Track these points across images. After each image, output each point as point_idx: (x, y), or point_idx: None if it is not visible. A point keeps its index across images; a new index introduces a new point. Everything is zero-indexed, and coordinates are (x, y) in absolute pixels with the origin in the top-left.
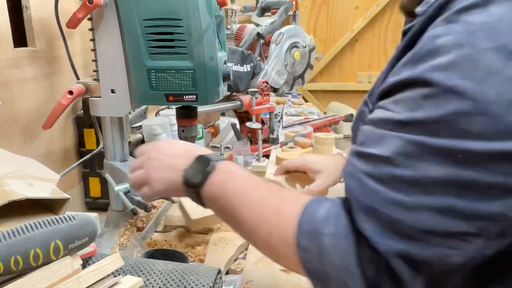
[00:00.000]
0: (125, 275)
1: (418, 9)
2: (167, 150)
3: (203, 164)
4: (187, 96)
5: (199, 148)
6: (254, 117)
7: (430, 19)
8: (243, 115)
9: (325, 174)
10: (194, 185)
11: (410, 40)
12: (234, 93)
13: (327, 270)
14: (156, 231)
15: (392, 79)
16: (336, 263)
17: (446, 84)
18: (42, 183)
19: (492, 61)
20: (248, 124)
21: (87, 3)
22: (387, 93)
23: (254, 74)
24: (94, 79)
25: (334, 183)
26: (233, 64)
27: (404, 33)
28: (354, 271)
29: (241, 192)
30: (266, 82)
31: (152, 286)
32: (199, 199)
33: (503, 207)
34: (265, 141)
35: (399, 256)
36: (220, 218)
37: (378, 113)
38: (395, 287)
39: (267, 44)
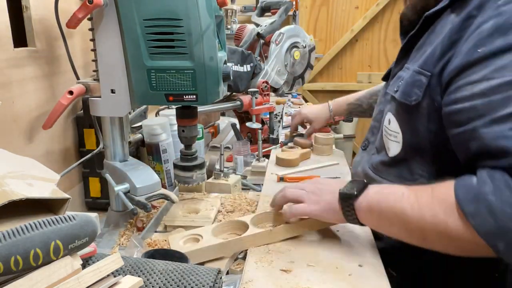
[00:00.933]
0: (125, 275)
1: None
2: (325, 183)
3: (358, 183)
4: (187, 96)
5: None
6: (254, 117)
7: None
8: (243, 115)
9: (316, 122)
10: (350, 195)
11: (467, 15)
12: (234, 93)
13: (503, 224)
14: (156, 231)
15: (480, 50)
16: (510, 212)
17: None
18: (42, 183)
19: None
20: (248, 124)
21: (87, 3)
22: (474, 64)
23: (254, 74)
24: (94, 79)
25: (319, 129)
26: (233, 64)
27: (427, 18)
28: None
29: (397, 192)
30: (266, 82)
31: (152, 286)
32: (354, 213)
33: None
34: (265, 141)
35: None
36: (381, 229)
37: (483, 85)
38: None
39: (267, 44)
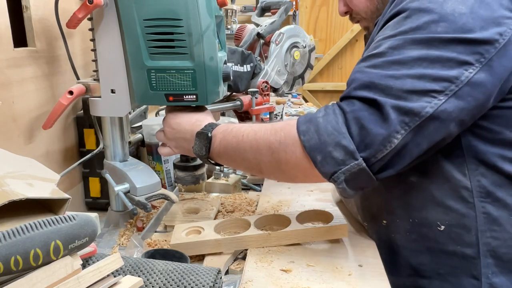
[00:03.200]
0: (125, 275)
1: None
2: (177, 125)
3: (203, 139)
4: (187, 96)
5: (198, 121)
6: (254, 117)
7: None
8: (243, 115)
9: None
10: (203, 156)
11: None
12: (234, 93)
13: (323, 138)
14: (156, 231)
15: (381, 23)
16: (329, 130)
17: (420, 7)
18: (42, 183)
19: None
20: None
21: (87, 3)
22: (386, 23)
23: (254, 74)
24: (94, 79)
25: None
26: (233, 64)
27: (366, 37)
28: (343, 130)
29: (237, 135)
30: (266, 82)
31: (152, 286)
32: (213, 163)
33: (456, 73)
34: None
35: (392, 107)
36: (233, 167)
37: (381, 35)
38: (380, 131)
39: (267, 44)
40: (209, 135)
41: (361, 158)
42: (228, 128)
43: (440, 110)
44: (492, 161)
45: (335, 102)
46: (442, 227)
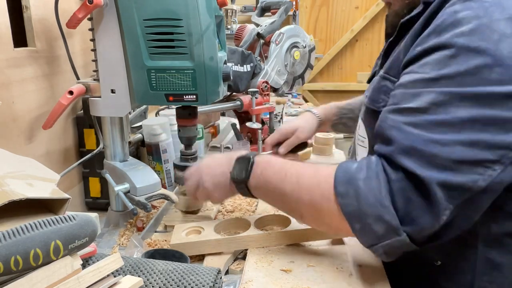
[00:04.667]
0: (125, 275)
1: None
2: (213, 163)
3: (244, 163)
4: (187, 96)
5: (236, 153)
6: (254, 117)
7: (444, 2)
8: (243, 115)
9: (299, 130)
10: (241, 181)
11: (426, 20)
12: (234, 93)
13: (364, 208)
14: (156, 231)
15: (417, 49)
16: (371, 200)
17: (469, 46)
18: (42, 183)
19: (505, 28)
20: (248, 124)
21: (87, 3)
22: (411, 61)
23: (254, 74)
24: (94, 79)
25: (308, 136)
26: (233, 64)
27: (403, 24)
28: (386, 203)
29: (280, 172)
30: (266, 82)
31: (152, 286)
32: (249, 192)
33: None
34: (265, 141)
35: (439, 184)
36: (270, 203)
37: (406, 78)
38: (426, 212)
39: (267, 44)
40: (251, 159)
41: (405, 234)
42: (271, 161)
43: (494, 183)
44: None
45: (377, 157)
46: (439, 262)
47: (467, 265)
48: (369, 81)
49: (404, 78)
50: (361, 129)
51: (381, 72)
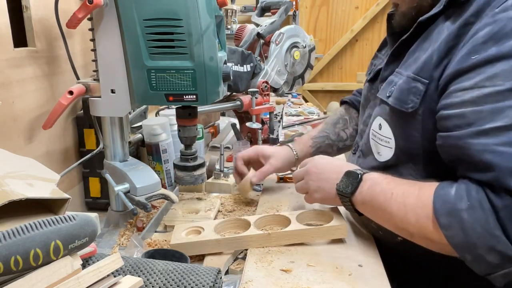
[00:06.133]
0: (125, 275)
1: None
2: (323, 165)
3: (352, 178)
4: (187, 96)
5: (348, 165)
6: (254, 117)
7: (486, 4)
8: (243, 115)
9: (274, 158)
10: (347, 195)
11: (465, 22)
12: (234, 93)
13: (472, 240)
14: (156, 231)
15: (473, 57)
16: (479, 231)
17: None
18: (42, 183)
19: None
20: (248, 124)
21: (87, 3)
22: (467, 70)
23: (254, 74)
24: (94, 79)
25: (282, 168)
26: (233, 64)
27: (421, 23)
28: (497, 233)
29: (387, 191)
30: (266, 82)
31: (152, 286)
32: (352, 206)
33: None
34: (265, 141)
35: None
36: (375, 221)
37: (474, 93)
38: None
39: (267, 44)
40: (360, 175)
41: None
42: (379, 179)
43: None
44: None
45: (476, 185)
46: None
47: None
48: (371, 80)
49: (468, 93)
50: (384, 129)
51: (409, 72)
